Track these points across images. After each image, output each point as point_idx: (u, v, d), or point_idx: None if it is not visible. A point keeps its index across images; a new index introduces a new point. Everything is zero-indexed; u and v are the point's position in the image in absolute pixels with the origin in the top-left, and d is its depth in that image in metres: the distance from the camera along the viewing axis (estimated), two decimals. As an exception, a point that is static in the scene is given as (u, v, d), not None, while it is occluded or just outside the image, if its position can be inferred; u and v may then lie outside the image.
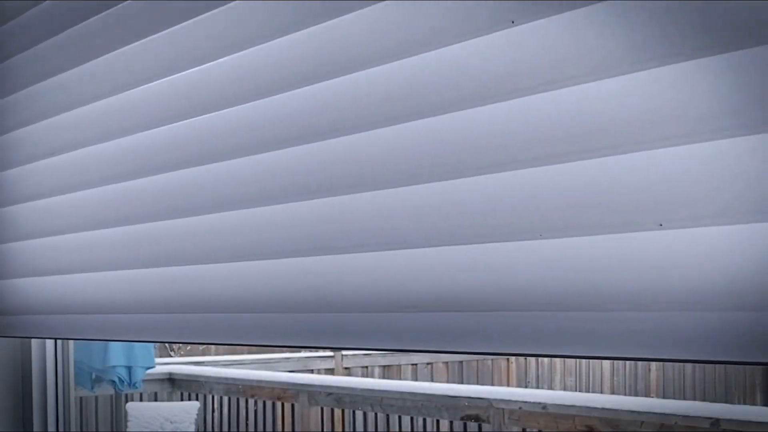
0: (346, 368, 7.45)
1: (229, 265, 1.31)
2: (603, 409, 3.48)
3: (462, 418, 4.02)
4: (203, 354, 11.93)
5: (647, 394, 9.26)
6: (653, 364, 9.41)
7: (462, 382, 8.14)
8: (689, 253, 0.81)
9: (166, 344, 11.37)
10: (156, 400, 5.24)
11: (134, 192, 1.48)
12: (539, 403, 3.70)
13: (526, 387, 8.52)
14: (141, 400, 5.10)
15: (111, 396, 4.66)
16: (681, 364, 9.60)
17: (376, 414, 4.54)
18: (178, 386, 5.35)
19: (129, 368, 4.12)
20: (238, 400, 5.23)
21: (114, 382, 4.11)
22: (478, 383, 8.13)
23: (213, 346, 13.05)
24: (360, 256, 1.11)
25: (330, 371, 7.31)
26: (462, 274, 1.00)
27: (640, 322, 0.85)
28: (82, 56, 1.55)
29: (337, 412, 4.84)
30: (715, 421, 3.15)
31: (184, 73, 1.35)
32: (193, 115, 1.35)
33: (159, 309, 1.46)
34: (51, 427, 1.96)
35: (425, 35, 1.01)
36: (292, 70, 1.19)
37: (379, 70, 1.07)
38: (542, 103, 0.91)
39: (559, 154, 0.90)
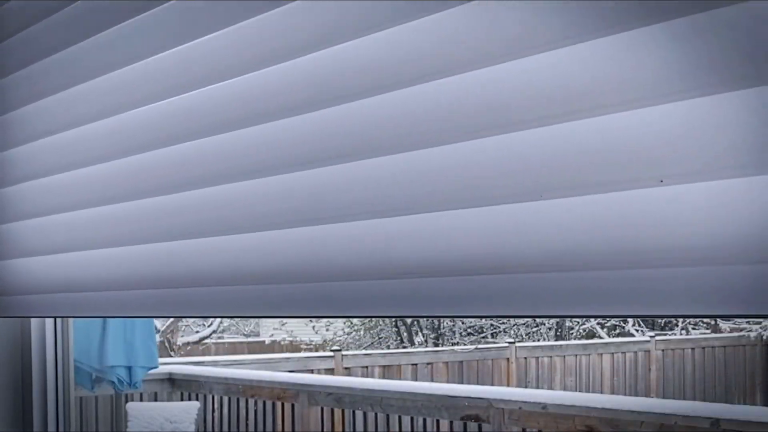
0: (346, 368, 7.45)
1: (225, 238, 1.31)
2: (603, 409, 3.49)
3: (462, 418, 4.02)
4: (203, 354, 11.95)
5: (647, 394, 9.26)
6: (653, 364, 9.40)
7: (462, 382, 8.14)
8: (691, 208, 0.81)
9: (166, 344, 11.38)
10: (156, 400, 5.24)
11: (130, 169, 1.48)
12: (539, 403, 3.71)
13: (526, 387, 8.52)
14: (141, 400, 5.10)
15: (111, 396, 4.66)
16: (681, 364, 9.59)
17: (376, 414, 4.54)
18: (178, 386, 5.35)
19: (129, 368, 4.12)
20: (238, 400, 5.23)
21: (114, 382, 4.11)
22: (478, 383, 8.13)
23: (213, 346, 13.05)
24: (358, 224, 1.11)
25: (330, 371, 7.32)
26: (463, 238, 0.99)
27: (643, 279, 0.84)
28: (81, 35, 1.56)
29: (337, 412, 4.84)
30: (715, 421, 3.15)
31: (175, 49, 1.36)
32: (183, 91, 1.35)
33: (157, 284, 1.46)
34: (51, 427, 1.96)
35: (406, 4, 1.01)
36: (278, 43, 1.19)
37: (367, 39, 1.07)
38: (539, 63, 0.91)
39: (558, 115, 0.89)
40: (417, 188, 1.04)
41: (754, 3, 0.75)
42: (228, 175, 1.29)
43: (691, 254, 0.81)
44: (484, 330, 12.04)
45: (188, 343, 12.19)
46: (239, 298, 1.31)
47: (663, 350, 9.55)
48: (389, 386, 4.54)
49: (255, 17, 1.21)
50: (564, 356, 8.97)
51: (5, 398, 1.96)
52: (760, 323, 10.79)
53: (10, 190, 1.82)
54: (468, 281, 0.99)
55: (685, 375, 9.68)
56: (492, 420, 3.87)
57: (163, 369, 5.37)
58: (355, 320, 12.09)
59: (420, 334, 11.77)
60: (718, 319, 11.56)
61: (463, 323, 11.96)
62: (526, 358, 8.79)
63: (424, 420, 4.37)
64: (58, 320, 1.97)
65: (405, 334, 11.71)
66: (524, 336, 11.79)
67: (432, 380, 7.96)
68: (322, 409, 4.84)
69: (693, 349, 9.81)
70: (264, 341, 13.44)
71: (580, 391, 8.92)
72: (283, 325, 12.66)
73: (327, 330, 12.08)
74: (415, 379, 7.80)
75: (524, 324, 11.94)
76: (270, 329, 13.54)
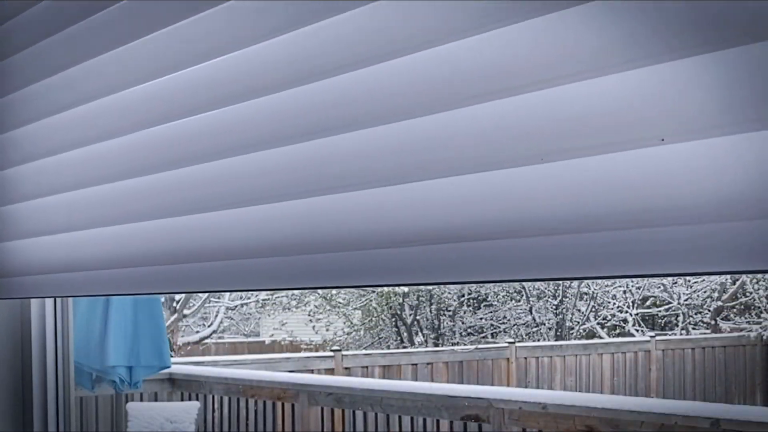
0: (346, 368, 7.45)
1: (228, 211, 1.31)
2: (603, 409, 3.49)
3: (462, 418, 4.02)
4: (203, 354, 11.95)
5: (647, 394, 9.26)
6: (653, 364, 9.41)
7: (462, 382, 8.14)
8: (692, 166, 0.81)
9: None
10: (156, 400, 5.24)
11: (129, 147, 1.48)
12: (539, 403, 3.71)
13: (526, 387, 8.52)
14: (141, 400, 5.10)
15: (111, 396, 4.66)
16: (681, 364, 9.59)
17: (376, 414, 4.54)
18: (178, 386, 5.35)
19: (129, 368, 4.12)
20: (238, 400, 5.23)
21: (114, 382, 4.11)
22: (478, 383, 8.14)
23: (213, 346, 13.05)
24: (360, 193, 1.11)
25: (330, 371, 7.32)
26: (465, 204, 1.00)
27: (647, 239, 0.85)
28: (82, 15, 1.56)
29: (337, 412, 4.84)
30: (715, 421, 3.15)
31: (174, 26, 1.35)
32: (181, 68, 1.35)
33: (158, 261, 1.46)
34: (51, 427, 1.96)
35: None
36: (276, 20, 1.19)
37: (361, 9, 1.07)
38: (536, 27, 0.91)
39: (557, 77, 0.89)
40: (417, 156, 1.04)
41: None
42: (225, 150, 1.30)
43: (693, 212, 0.81)
44: (484, 330, 12.04)
45: (188, 343, 12.19)
46: (239, 272, 1.31)
47: (663, 350, 9.56)
48: (389, 386, 4.53)
49: None
50: (564, 356, 8.98)
51: (5, 398, 1.96)
52: (760, 323, 10.79)
53: (9, 172, 1.82)
54: (470, 247, 0.99)
55: (685, 375, 9.68)
56: (492, 420, 3.87)
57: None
58: (355, 320, 12.09)
59: (420, 334, 11.78)
60: (718, 319, 11.57)
61: (463, 323, 11.96)
62: (526, 358, 8.80)
63: (424, 420, 4.37)
64: (59, 319, 1.97)
65: (405, 334, 11.71)
66: (524, 336, 11.79)
67: (432, 380, 7.97)
68: (322, 409, 4.84)
69: (693, 349, 9.82)
70: (264, 341, 13.45)
71: (580, 391, 8.92)
72: (283, 325, 12.65)
73: (327, 330, 12.08)
74: (415, 379, 7.80)
75: (524, 324, 11.94)
76: (270, 329, 13.54)
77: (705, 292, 11.66)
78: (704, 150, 0.80)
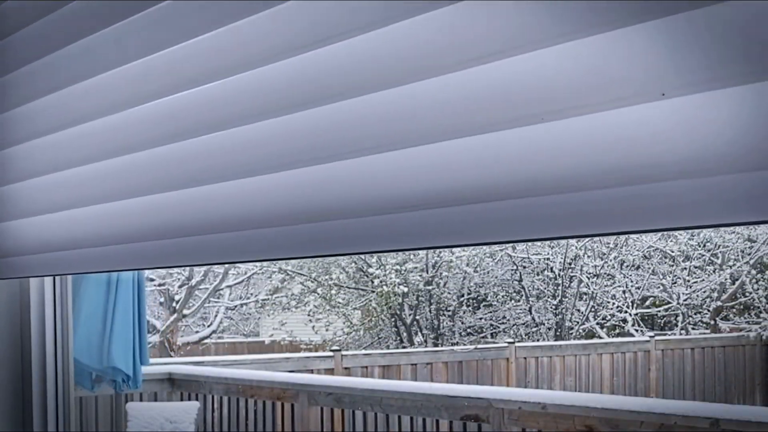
0: (345, 368, 7.45)
1: (228, 183, 1.31)
2: (603, 409, 3.49)
3: (462, 418, 4.02)
4: (203, 354, 11.95)
5: (647, 394, 9.26)
6: (653, 365, 9.41)
7: (461, 382, 8.14)
8: (693, 119, 0.81)
9: (166, 344, 11.37)
10: (156, 400, 5.24)
11: (128, 121, 1.48)
12: (539, 403, 3.71)
13: (525, 387, 8.52)
14: (141, 400, 5.10)
15: (111, 396, 4.66)
16: (681, 364, 9.59)
17: (375, 414, 4.54)
18: (178, 386, 5.35)
19: (132, 368, 4.12)
20: (237, 400, 5.23)
21: (114, 382, 4.11)
22: (477, 383, 8.13)
23: (213, 346, 13.05)
24: (363, 160, 1.11)
25: (330, 371, 7.32)
26: (467, 167, 1.00)
27: (650, 194, 0.85)
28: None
29: (337, 412, 4.84)
30: (715, 421, 3.15)
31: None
32: (183, 40, 1.35)
33: (157, 236, 1.46)
34: (51, 427, 1.96)
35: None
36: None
37: None
38: None
39: (557, 36, 0.89)
40: (418, 121, 1.04)
41: None
42: (223, 122, 1.30)
43: (696, 165, 0.81)
44: (484, 330, 12.04)
45: (188, 343, 12.19)
46: (240, 243, 1.31)
47: (663, 350, 9.56)
48: (389, 386, 4.53)
49: None
50: (564, 356, 8.98)
51: (5, 397, 1.96)
52: (759, 323, 10.80)
53: (7, 152, 1.82)
54: (477, 209, 1.00)
55: (684, 375, 9.68)
56: (492, 420, 3.87)
57: (163, 369, 5.38)
58: (354, 320, 12.09)
59: (419, 334, 11.77)
60: (717, 319, 11.57)
61: (462, 323, 11.96)
62: (525, 358, 8.80)
63: (424, 420, 4.37)
64: (58, 319, 1.97)
65: (404, 334, 11.71)
66: (524, 336, 11.79)
67: (431, 380, 7.97)
68: (322, 409, 4.84)
69: (693, 349, 9.82)
70: (264, 341, 13.44)
71: (579, 391, 8.92)
72: (282, 325, 12.65)
73: (327, 330, 12.08)
74: (415, 379, 7.80)
75: (524, 324, 11.94)
76: (270, 329, 13.54)
77: (704, 292, 11.66)
78: (705, 102, 0.80)
